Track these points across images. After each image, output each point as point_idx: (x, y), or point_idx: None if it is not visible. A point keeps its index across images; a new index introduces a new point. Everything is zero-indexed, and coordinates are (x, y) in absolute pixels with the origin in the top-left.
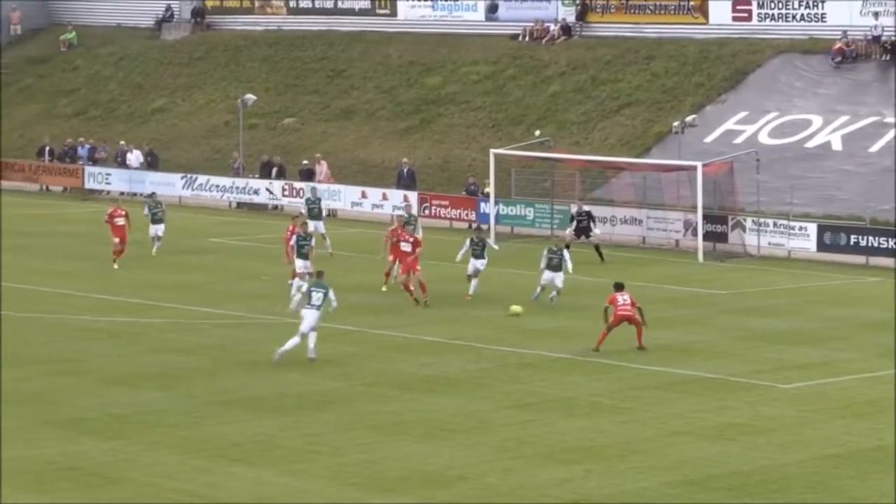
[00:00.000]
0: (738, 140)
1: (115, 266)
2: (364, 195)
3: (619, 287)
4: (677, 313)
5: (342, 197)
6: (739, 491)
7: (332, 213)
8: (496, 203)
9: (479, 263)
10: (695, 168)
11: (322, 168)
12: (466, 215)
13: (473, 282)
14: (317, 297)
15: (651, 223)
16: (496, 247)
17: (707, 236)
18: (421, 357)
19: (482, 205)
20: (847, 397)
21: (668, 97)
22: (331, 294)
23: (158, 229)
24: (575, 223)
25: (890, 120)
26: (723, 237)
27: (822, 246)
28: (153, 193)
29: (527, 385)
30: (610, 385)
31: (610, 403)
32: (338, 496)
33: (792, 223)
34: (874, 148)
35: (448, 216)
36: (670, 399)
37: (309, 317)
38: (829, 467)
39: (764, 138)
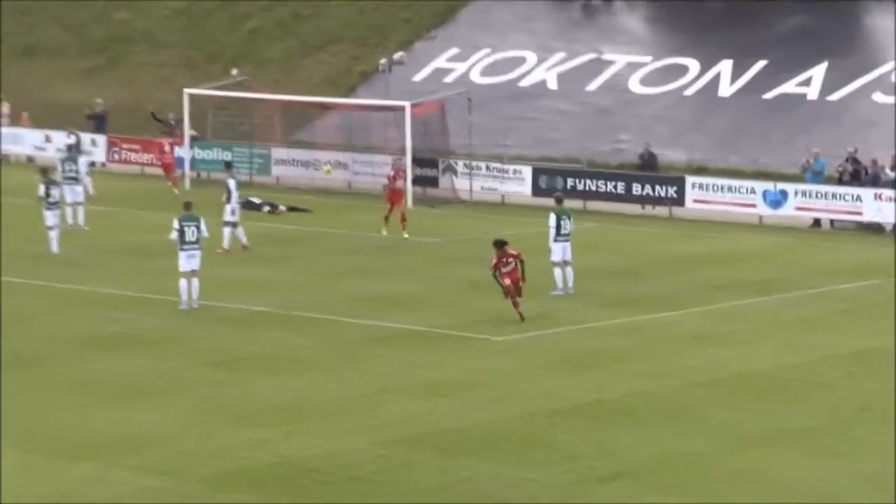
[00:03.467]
0: (449, 79)
1: None
2: (48, 139)
3: (500, 245)
4: (388, 263)
5: (24, 140)
6: (454, 450)
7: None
8: (191, 147)
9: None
10: (403, 108)
11: (3, 110)
12: (158, 160)
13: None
14: (191, 232)
15: (358, 167)
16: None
17: (417, 181)
18: (109, 312)
19: (176, 149)
20: (566, 349)
21: (374, 33)
22: (202, 225)
23: None
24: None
25: (609, 57)
26: (433, 181)
27: (537, 190)
28: None
29: (226, 341)
30: (315, 340)
31: (315, 359)
32: (21, 463)
33: (506, 166)
34: (591, 87)
35: (140, 161)
36: (379, 354)
37: (190, 258)
38: (548, 424)
39: (476, 77)
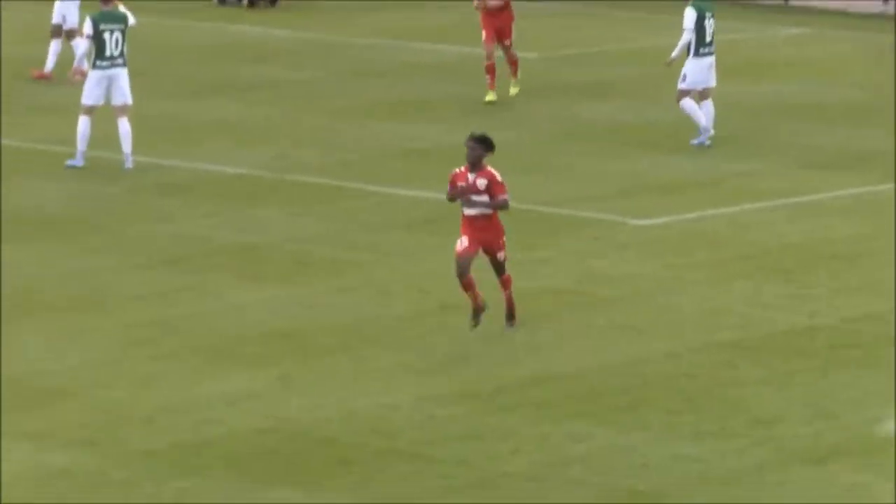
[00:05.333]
0: None
1: None
2: None
3: (478, 149)
4: (437, 92)
5: None
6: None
7: None
8: None
9: None
10: None
11: None
12: None
13: None
14: (114, 41)
15: None
16: None
17: None
18: None
19: None
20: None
21: None
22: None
23: None
24: None
25: None
26: None
27: None
28: None
29: (182, 226)
30: (324, 223)
31: (325, 256)
32: None
33: None
34: None
35: None
36: (430, 246)
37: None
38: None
39: None
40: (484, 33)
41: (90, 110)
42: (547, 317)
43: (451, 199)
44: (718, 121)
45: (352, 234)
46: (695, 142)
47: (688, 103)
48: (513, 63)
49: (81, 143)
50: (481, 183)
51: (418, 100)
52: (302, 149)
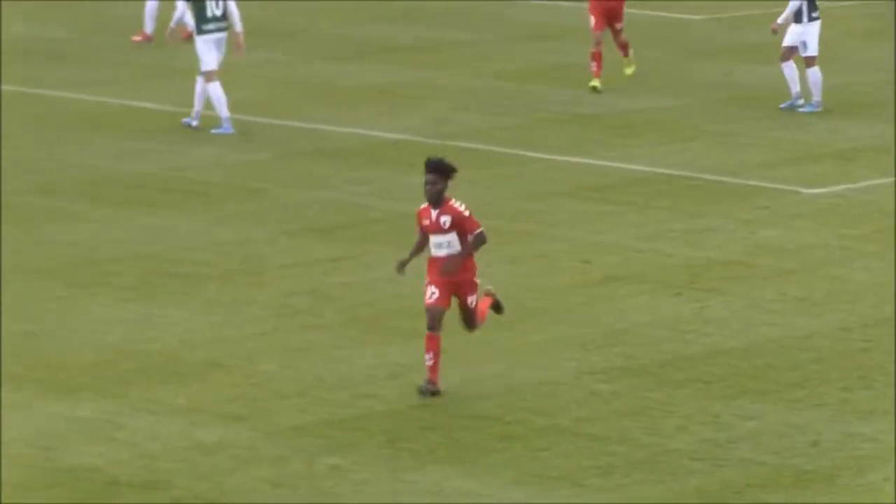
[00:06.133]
0: None
1: None
2: None
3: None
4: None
5: None
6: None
7: None
8: None
9: None
10: None
11: None
12: None
13: None
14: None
15: None
16: None
17: None
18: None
19: None
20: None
21: None
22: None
23: None
24: None
25: None
26: None
27: None
28: None
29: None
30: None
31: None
32: None
33: None
34: None
35: None
36: (590, 213)
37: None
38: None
39: None
40: (593, 19)
41: (213, 75)
42: (715, 289)
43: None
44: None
45: (514, 202)
46: (784, 105)
47: (790, 66)
48: (622, 46)
49: (222, 110)
50: (444, 220)
51: (586, 64)
52: (463, 113)
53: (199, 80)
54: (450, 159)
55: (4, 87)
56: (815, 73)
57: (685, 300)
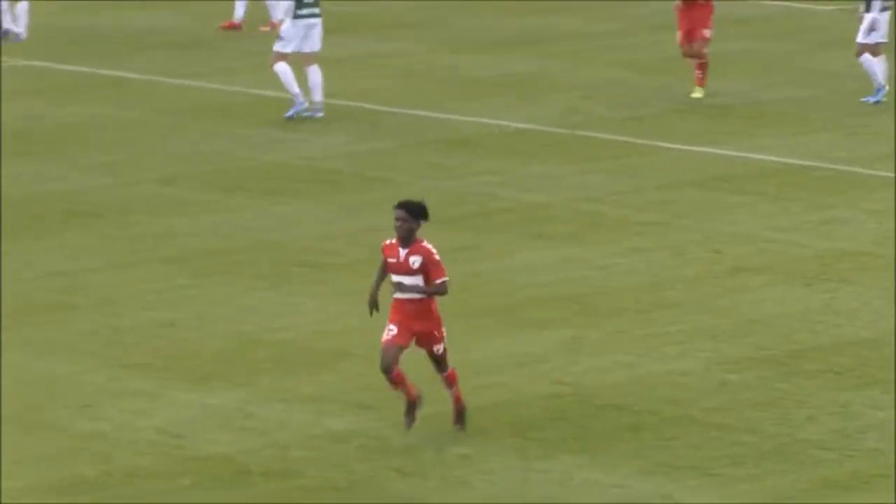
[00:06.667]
0: None
1: None
2: None
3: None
4: None
5: None
6: None
7: None
8: None
9: None
10: None
11: None
12: None
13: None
14: None
15: None
16: None
17: None
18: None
19: None
20: None
21: None
22: None
23: None
24: None
25: None
26: None
27: None
28: None
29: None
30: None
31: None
32: None
33: None
34: None
35: None
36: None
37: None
38: None
39: None
40: (678, 31)
41: (284, 57)
42: (845, 280)
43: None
44: None
45: (644, 193)
46: (870, 99)
47: (868, 59)
48: (699, 66)
49: (292, 87)
50: (414, 261)
51: (721, 54)
52: (592, 103)
53: (313, 70)
54: (425, 202)
55: (135, 77)
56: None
57: (815, 291)
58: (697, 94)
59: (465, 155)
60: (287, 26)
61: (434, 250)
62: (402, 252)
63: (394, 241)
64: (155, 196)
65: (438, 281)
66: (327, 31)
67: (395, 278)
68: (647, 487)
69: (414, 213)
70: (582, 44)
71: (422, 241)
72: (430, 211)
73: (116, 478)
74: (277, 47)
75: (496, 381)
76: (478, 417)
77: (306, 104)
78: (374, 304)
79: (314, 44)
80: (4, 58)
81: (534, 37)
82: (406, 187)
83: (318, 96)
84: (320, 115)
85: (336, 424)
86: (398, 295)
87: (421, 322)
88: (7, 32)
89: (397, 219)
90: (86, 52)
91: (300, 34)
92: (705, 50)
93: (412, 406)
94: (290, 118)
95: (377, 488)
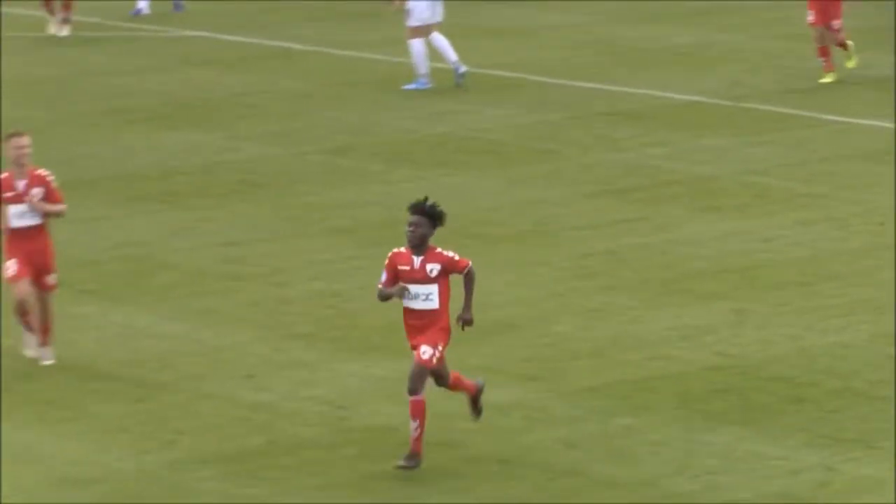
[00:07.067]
0: None
1: None
2: None
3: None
4: None
5: None
6: None
7: None
8: None
9: None
10: None
11: None
12: None
13: None
14: None
15: None
16: None
17: None
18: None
19: None
20: None
21: None
22: None
23: None
24: None
25: None
26: None
27: None
28: None
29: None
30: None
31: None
32: None
33: None
34: None
35: None
36: None
37: None
38: None
39: None
40: (808, 15)
41: (419, 31)
42: None
43: (384, 298)
44: None
45: (807, 165)
46: None
47: None
48: (840, 45)
49: (422, 66)
50: (431, 269)
51: (885, 26)
52: (757, 75)
53: (436, 36)
54: (439, 205)
55: (301, 48)
56: None
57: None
58: (828, 78)
59: (633, 127)
60: (413, 2)
61: (449, 253)
62: (417, 260)
63: (402, 249)
64: (324, 167)
65: (465, 271)
66: (490, 3)
67: (410, 287)
68: (811, 459)
69: (431, 218)
70: (748, 16)
71: (436, 249)
72: (445, 214)
73: (280, 448)
74: (412, 22)
75: (661, 353)
76: (642, 389)
77: (430, 86)
78: (388, 297)
79: (437, 16)
80: (173, 28)
81: (701, 8)
82: (572, 159)
83: (452, 56)
84: (463, 69)
85: (501, 395)
86: (409, 305)
87: (426, 334)
88: (139, 11)
89: (410, 224)
90: (253, 23)
91: (425, 8)
92: (841, 35)
93: (476, 398)
94: (409, 90)
95: (542, 459)
